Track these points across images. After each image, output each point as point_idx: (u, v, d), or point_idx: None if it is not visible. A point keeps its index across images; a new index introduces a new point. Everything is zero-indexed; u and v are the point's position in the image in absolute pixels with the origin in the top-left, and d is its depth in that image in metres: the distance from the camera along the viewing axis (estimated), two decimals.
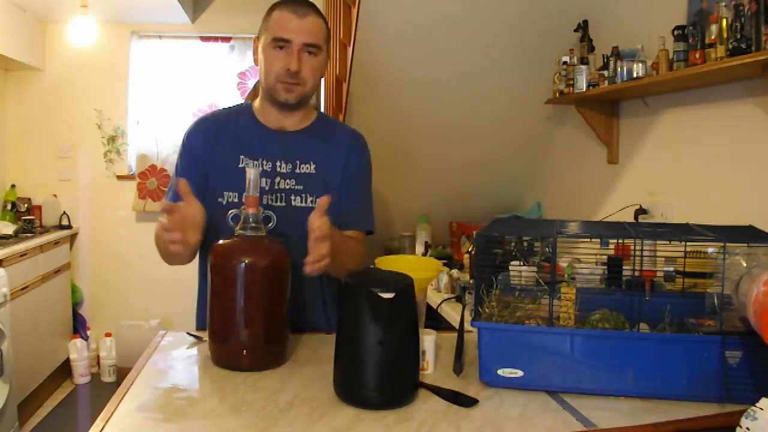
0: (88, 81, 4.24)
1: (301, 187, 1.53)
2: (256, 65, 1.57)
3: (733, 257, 1.13)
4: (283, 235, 1.37)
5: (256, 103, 1.61)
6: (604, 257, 1.57)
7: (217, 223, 1.41)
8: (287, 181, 1.53)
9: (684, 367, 1.14)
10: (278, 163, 1.54)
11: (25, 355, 3.27)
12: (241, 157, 1.53)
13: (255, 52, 1.56)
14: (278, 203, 1.52)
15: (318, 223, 1.25)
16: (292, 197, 1.53)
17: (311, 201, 1.52)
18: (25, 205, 4.10)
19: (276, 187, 1.53)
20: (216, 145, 1.55)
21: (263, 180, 1.51)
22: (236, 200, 1.51)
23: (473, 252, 2.41)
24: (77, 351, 3.99)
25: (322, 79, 1.60)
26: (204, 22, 4.31)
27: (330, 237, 1.27)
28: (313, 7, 1.52)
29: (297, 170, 1.54)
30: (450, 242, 3.41)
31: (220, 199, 1.51)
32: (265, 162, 1.53)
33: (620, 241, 1.42)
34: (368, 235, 1.64)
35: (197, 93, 4.30)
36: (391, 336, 1.10)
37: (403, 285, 1.14)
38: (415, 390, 1.16)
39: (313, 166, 1.55)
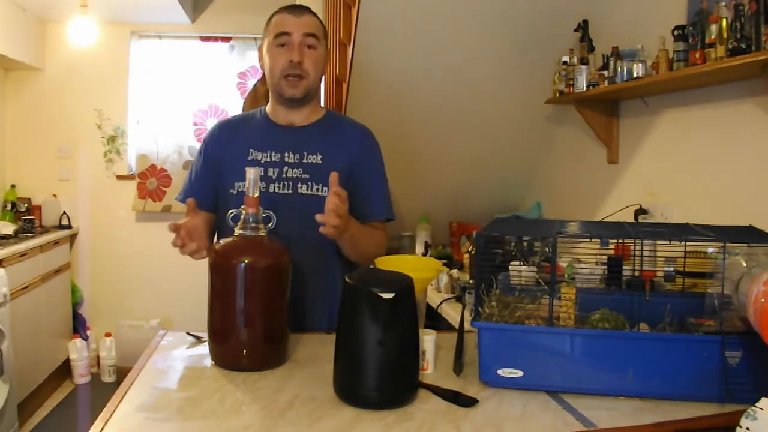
0: (88, 81, 4.24)
1: (308, 176, 1.60)
2: (262, 70, 1.67)
3: (733, 257, 1.13)
4: (287, 221, 1.43)
5: (268, 105, 1.71)
6: (604, 257, 1.57)
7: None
8: (295, 170, 1.61)
9: (684, 367, 1.13)
10: (286, 154, 1.62)
11: (25, 355, 3.27)
12: (251, 150, 1.63)
13: (260, 59, 1.67)
14: (285, 191, 1.59)
15: (335, 189, 1.36)
16: (299, 185, 1.60)
17: (316, 189, 1.59)
18: (25, 205, 4.09)
19: (284, 175, 1.60)
20: (228, 143, 1.67)
21: (272, 169, 1.60)
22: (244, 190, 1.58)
23: (473, 252, 2.41)
24: (77, 351, 3.99)
25: (323, 79, 1.73)
26: (204, 22, 4.31)
27: (347, 219, 1.39)
28: (309, 9, 1.65)
29: (305, 160, 1.61)
30: (450, 242, 3.41)
31: (231, 191, 1.61)
32: (273, 153, 1.62)
33: (620, 241, 1.42)
34: (389, 221, 1.73)
35: (197, 93, 4.29)
36: (391, 336, 1.10)
37: (403, 285, 1.14)
38: (415, 390, 1.16)
39: (319, 157, 1.62)
